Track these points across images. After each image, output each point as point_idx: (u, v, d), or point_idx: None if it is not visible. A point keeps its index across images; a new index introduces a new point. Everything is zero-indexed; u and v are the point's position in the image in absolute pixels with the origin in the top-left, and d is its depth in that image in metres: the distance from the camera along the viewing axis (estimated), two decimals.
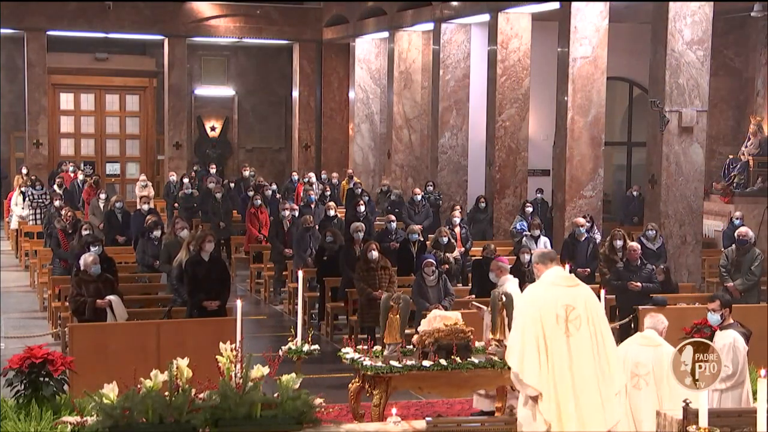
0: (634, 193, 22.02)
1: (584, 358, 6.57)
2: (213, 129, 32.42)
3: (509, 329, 9.70)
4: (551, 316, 6.51)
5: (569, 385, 6.52)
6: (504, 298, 9.68)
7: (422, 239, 16.11)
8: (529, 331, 6.50)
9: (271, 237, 17.57)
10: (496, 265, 11.35)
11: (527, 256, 13.70)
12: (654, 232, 15.48)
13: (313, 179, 24.50)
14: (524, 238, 16.72)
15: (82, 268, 11.87)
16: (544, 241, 16.55)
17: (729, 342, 8.70)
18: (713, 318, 9.22)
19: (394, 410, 8.62)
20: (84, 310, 11.52)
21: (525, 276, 13.67)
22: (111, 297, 11.71)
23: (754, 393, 7.53)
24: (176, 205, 22.55)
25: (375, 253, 13.62)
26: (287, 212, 17.45)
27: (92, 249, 13.01)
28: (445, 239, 15.79)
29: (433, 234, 16.57)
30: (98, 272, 11.75)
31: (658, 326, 8.37)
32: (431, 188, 21.79)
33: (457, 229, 17.32)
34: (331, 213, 18.32)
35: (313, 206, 19.54)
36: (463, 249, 17.01)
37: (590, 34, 18.52)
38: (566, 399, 6.47)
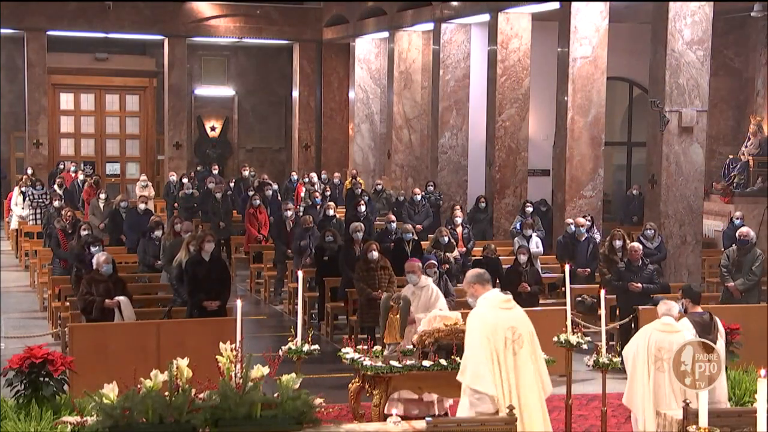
0: (635, 193, 22.02)
1: (527, 372, 7.42)
2: (213, 129, 32.43)
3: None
4: (500, 338, 7.25)
5: (515, 395, 7.37)
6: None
7: (416, 238, 16.11)
8: (483, 349, 7.21)
9: (273, 237, 17.56)
10: (412, 266, 11.05)
11: (524, 257, 13.70)
12: (652, 231, 15.48)
13: (315, 179, 24.50)
14: (516, 238, 16.72)
15: (94, 267, 11.85)
16: (536, 240, 16.54)
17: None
18: (676, 307, 9.62)
19: (394, 411, 8.62)
20: (92, 309, 11.49)
21: (522, 276, 13.68)
22: (120, 297, 11.70)
23: None
24: (176, 205, 22.55)
25: (375, 254, 13.60)
26: (290, 212, 17.44)
27: (92, 249, 13.01)
28: (446, 239, 15.77)
29: (433, 234, 16.55)
30: (110, 272, 11.72)
31: (673, 312, 8.98)
32: (432, 188, 21.79)
33: (459, 229, 17.31)
34: (330, 213, 18.32)
35: (318, 207, 19.54)
36: (464, 249, 17.01)
37: (590, 34, 18.52)
38: (514, 403, 7.27)
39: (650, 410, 8.73)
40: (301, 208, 20.54)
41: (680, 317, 9.18)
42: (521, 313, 7.52)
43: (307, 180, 24.74)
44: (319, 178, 25.35)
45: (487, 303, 7.43)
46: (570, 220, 16.46)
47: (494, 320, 7.28)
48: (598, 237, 16.76)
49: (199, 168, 27.93)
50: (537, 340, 7.54)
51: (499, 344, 7.23)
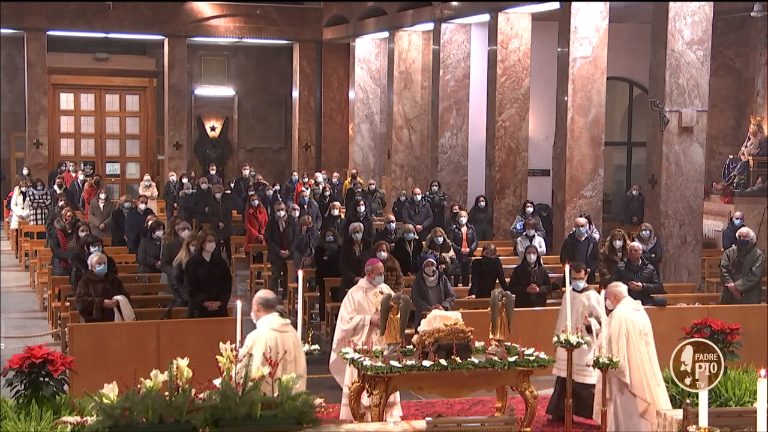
0: (635, 193, 22.00)
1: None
2: (213, 129, 32.43)
3: (509, 329, 9.76)
4: (275, 357, 7.84)
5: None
6: (504, 298, 9.68)
7: (417, 238, 16.10)
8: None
9: (267, 238, 17.56)
10: (377, 269, 10.84)
11: (533, 256, 13.69)
12: (648, 232, 15.45)
13: (320, 179, 24.49)
14: (519, 238, 16.72)
15: (89, 268, 11.86)
16: (538, 240, 16.54)
17: (597, 298, 10.48)
18: (579, 284, 10.75)
19: (395, 411, 8.63)
20: (92, 310, 11.50)
21: (531, 277, 13.65)
22: (118, 297, 11.70)
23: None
24: (176, 205, 22.55)
25: (384, 254, 13.49)
26: (282, 212, 17.43)
27: (92, 249, 13.01)
28: (440, 239, 15.77)
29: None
30: (104, 272, 11.73)
31: (625, 293, 9.81)
32: (436, 188, 21.75)
33: (464, 229, 17.30)
34: (335, 213, 18.30)
35: (306, 207, 19.53)
36: (468, 249, 17.01)
37: (590, 34, 18.53)
38: None
39: (654, 382, 9.39)
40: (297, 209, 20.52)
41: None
42: (294, 336, 8.15)
43: (306, 180, 24.74)
44: (322, 178, 25.34)
45: (266, 325, 8.09)
46: (582, 219, 16.35)
47: (272, 342, 7.94)
48: (596, 236, 16.75)
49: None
50: (303, 363, 8.14)
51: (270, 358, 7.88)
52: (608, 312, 9.81)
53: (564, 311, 10.19)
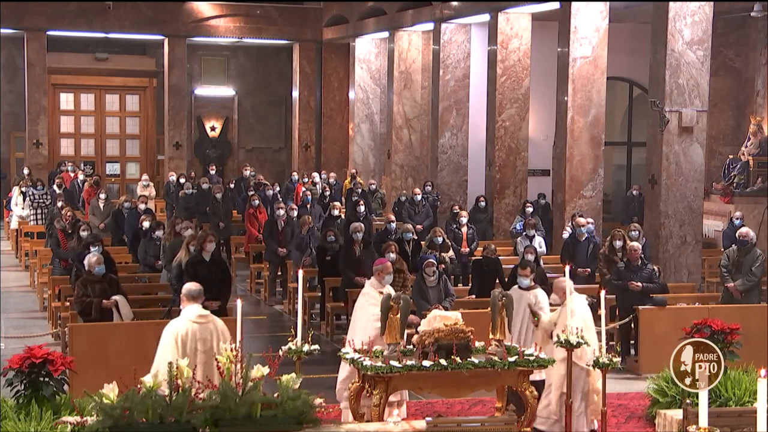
0: (635, 193, 21.97)
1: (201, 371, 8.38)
2: (213, 129, 32.43)
3: (509, 330, 9.78)
4: (190, 347, 8.42)
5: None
6: (504, 298, 9.68)
7: (416, 238, 16.09)
8: (171, 353, 8.28)
9: (265, 236, 17.57)
10: (386, 268, 10.65)
11: (531, 256, 13.69)
12: (637, 233, 15.48)
13: (317, 179, 24.50)
14: (519, 238, 16.72)
15: (86, 268, 11.86)
16: (538, 240, 16.54)
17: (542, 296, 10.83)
18: (525, 282, 10.89)
19: (396, 411, 8.63)
20: (90, 310, 11.49)
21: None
22: (117, 297, 11.70)
23: None
24: (174, 205, 22.56)
25: (393, 255, 13.45)
26: (281, 211, 17.44)
27: (92, 249, 13.01)
28: (440, 239, 15.76)
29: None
30: (102, 272, 11.73)
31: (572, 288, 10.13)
32: (429, 188, 21.78)
33: (464, 229, 17.31)
34: (335, 213, 18.30)
35: (309, 206, 19.53)
36: (468, 249, 17.01)
37: (590, 34, 18.53)
38: None
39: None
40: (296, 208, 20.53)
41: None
42: (213, 324, 8.61)
43: (306, 180, 24.75)
44: (320, 178, 25.36)
45: (184, 315, 8.62)
46: (582, 219, 16.33)
47: (184, 332, 8.46)
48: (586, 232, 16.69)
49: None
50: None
51: (189, 351, 8.39)
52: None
53: (563, 312, 10.19)
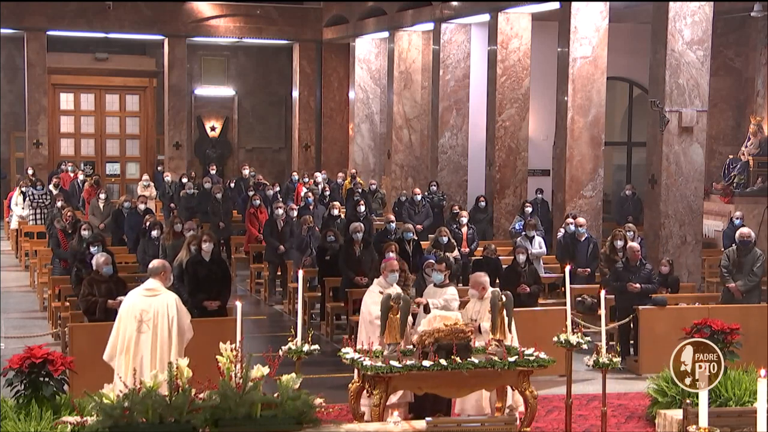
0: (628, 193, 21.84)
1: (149, 348, 9.27)
2: (213, 129, 32.43)
3: (509, 329, 9.77)
4: (131, 313, 9.32)
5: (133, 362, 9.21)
6: (504, 298, 9.68)
7: (417, 238, 16.09)
8: (116, 324, 9.37)
9: (265, 235, 17.58)
10: (390, 266, 10.82)
11: (522, 257, 13.69)
12: (632, 233, 15.47)
13: (319, 179, 24.49)
14: (519, 238, 16.72)
15: (94, 268, 11.84)
16: (538, 241, 16.54)
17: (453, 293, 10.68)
18: (438, 277, 10.81)
19: (395, 413, 8.62)
20: (95, 310, 11.47)
21: (521, 277, 13.66)
22: (122, 298, 11.67)
23: None
24: (172, 205, 22.55)
25: (392, 255, 13.43)
26: (280, 211, 17.43)
27: (92, 249, 13.01)
28: (445, 239, 15.74)
29: (433, 234, 16.53)
30: (110, 272, 11.69)
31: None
32: (435, 188, 21.75)
33: (464, 229, 17.29)
34: (335, 213, 18.29)
35: (311, 208, 19.52)
36: (468, 249, 17.01)
37: (590, 34, 18.53)
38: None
39: None
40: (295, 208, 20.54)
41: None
42: (162, 300, 9.33)
43: (307, 180, 24.74)
44: (322, 178, 25.35)
45: (140, 287, 9.51)
46: (582, 219, 16.32)
47: (130, 301, 9.39)
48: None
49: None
50: (176, 326, 9.31)
51: (129, 318, 9.27)
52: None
53: (483, 306, 10.12)
